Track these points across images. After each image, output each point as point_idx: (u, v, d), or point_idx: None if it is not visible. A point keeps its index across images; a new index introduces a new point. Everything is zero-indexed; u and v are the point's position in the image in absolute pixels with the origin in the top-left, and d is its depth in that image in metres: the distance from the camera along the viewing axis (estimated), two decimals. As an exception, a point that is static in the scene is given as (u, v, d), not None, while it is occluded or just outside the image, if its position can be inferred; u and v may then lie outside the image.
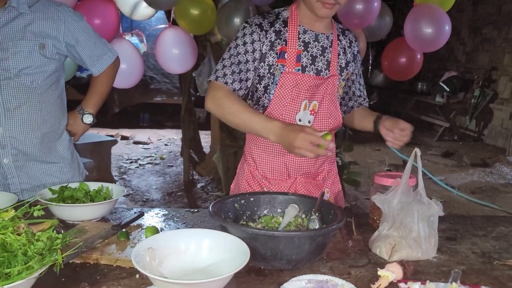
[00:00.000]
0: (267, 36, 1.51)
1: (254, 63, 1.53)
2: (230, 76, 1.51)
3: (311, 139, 1.31)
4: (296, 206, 1.31)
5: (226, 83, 1.51)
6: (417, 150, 1.29)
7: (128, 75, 2.66)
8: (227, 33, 2.76)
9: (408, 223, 1.23)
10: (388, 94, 9.38)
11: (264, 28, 1.52)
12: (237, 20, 2.69)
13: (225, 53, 1.56)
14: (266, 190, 1.62)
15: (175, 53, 2.70)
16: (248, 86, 1.56)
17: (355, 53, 1.67)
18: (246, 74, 1.53)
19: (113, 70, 1.86)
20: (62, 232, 1.07)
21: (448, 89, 7.71)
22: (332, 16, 1.53)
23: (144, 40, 7.77)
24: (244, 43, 1.52)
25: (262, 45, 1.51)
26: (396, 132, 1.51)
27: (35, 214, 0.99)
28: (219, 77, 1.52)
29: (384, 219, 1.28)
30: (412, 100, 8.79)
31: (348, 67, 1.63)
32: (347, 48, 1.63)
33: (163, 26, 2.84)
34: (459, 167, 6.31)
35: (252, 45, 1.51)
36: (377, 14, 2.67)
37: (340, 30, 1.65)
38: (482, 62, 7.80)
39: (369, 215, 1.47)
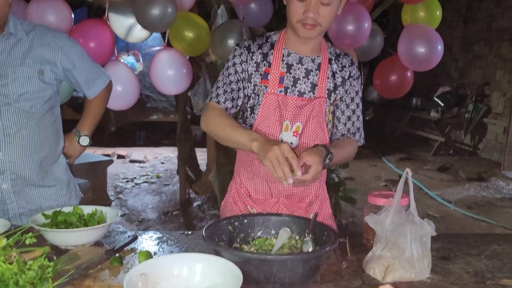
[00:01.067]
0: (253, 57, 1.59)
1: (242, 83, 1.60)
2: (223, 95, 1.59)
3: (284, 154, 1.29)
4: (288, 229, 1.32)
5: (218, 102, 1.59)
6: (408, 170, 1.30)
7: (124, 97, 2.68)
8: (221, 54, 2.79)
9: (401, 243, 1.24)
10: (383, 110, 9.45)
11: (252, 50, 1.60)
12: (230, 42, 2.73)
13: (220, 75, 1.64)
14: (250, 208, 1.63)
15: (170, 74, 2.72)
16: (239, 104, 1.62)
17: (346, 78, 1.63)
18: (238, 93, 1.61)
19: (107, 93, 1.92)
20: (55, 258, 1.07)
21: (443, 104, 7.78)
22: (315, 37, 1.54)
23: (141, 59, 7.86)
24: (234, 64, 1.60)
25: (249, 66, 1.58)
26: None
27: (27, 242, 0.99)
28: (212, 97, 1.61)
29: (378, 239, 1.29)
30: (407, 115, 8.84)
31: (336, 91, 1.63)
32: (338, 72, 1.63)
33: (158, 48, 2.87)
34: (455, 181, 6.32)
35: (241, 65, 1.59)
36: (368, 35, 2.71)
37: (335, 54, 1.65)
38: (475, 77, 7.89)
39: (363, 235, 1.47)
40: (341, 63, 1.64)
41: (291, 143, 1.56)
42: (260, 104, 1.56)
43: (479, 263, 1.33)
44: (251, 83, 1.59)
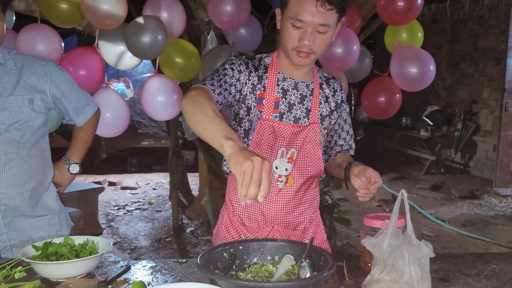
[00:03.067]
0: (250, 78, 1.52)
1: (236, 87, 1.49)
2: (218, 88, 1.44)
3: (262, 173, 1.07)
4: (292, 257, 1.29)
5: (213, 90, 1.42)
6: (403, 191, 1.30)
7: (114, 124, 2.66)
8: (212, 78, 2.80)
9: (399, 266, 1.22)
10: (374, 129, 9.52)
11: (249, 68, 1.53)
12: (221, 66, 2.74)
13: (214, 72, 1.52)
14: (243, 237, 1.59)
15: (161, 100, 2.71)
16: (225, 103, 1.48)
17: (339, 102, 1.66)
18: (229, 92, 1.47)
19: (96, 120, 1.92)
20: (45, 292, 1.03)
21: (432, 123, 7.86)
22: (309, 64, 1.54)
23: (131, 86, 7.88)
24: (232, 69, 1.50)
25: (245, 85, 1.51)
26: (363, 180, 1.44)
27: (16, 276, 0.96)
28: (205, 81, 1.45)
29: (376, 262, 1.27)
30: (397, 134, 8.92)
31: (331, 116, 1.64)
32: (330, 97, 1.64)
33: (148, 74, 2.88)
34: (448, 200, 6.33)
35: (239, 74, 1.50)
36: (357, 57, 2.75)
37: (325, 78, 1.66)
38: (462, 96, 8.01)
39: (361, 258, 1.45)
40: (332, 88, 1.66)
41: (286, 169, 1.54)
42: (254, 130, 1.53)
43: (478, 284, 1.32)
44: (244, 104, 1.53)
